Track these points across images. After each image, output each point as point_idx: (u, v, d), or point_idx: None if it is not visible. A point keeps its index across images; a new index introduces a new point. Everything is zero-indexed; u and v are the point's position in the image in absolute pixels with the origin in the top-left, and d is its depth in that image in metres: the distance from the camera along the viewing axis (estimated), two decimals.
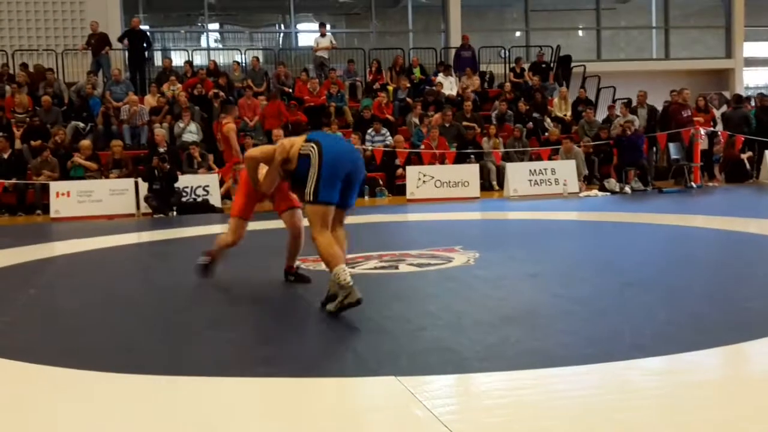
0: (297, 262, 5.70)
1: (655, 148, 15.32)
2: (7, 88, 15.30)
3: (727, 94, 19.20)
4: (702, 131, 14.35)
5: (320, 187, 4.43)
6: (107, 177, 12.90)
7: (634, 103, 15.82)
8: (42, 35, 17.60)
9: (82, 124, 14.67)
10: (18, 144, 13.76)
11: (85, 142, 13.43)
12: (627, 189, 13.23)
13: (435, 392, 3.12)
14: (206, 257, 5.79)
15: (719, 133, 15.10)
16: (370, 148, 14.08)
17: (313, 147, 4.51)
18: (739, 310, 4.36)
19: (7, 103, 14.84)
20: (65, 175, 12.91)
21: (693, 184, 13.67)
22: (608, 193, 13.08)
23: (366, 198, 13.43)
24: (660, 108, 15.90)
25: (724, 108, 17.39)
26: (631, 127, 13.94)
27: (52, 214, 12.18)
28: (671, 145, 14.63)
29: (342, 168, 4.50)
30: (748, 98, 16.91)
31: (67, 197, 12.34)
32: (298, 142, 4.72)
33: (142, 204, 12.26)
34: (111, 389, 3.37)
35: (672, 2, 21.57)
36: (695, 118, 14.62)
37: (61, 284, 6.37)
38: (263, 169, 5.15)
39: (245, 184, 5.46)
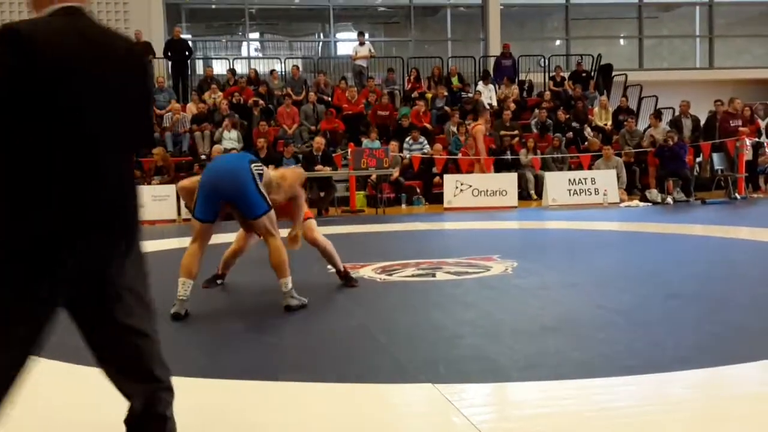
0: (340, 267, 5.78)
1: (699, 158, 15.07)
2: None
3: None
4: (747, 142, 14.09)
5: (196, 205, 5.03)
6: (149, 183, 13.08)
7: (677, 113, 15.58)
8: None
9: None
10: None
11: None
12: (669, 200, 13.02)
13: (473, 400, 3.10)
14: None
15: (765, 144, 14.81)
16: (408, 156, 14.08)
17: None
18: None
19: None
20: None
21: (737, 195, 13.42)
22: (649, 204, 12.89)
23: (403, 206, 13.42)
24: (703, 118, 15.63)
25: None
26: (673, 137, 13.73)
27: None
28: (715, 156, 14.39)
29: (209, 188, 4.95)
30: None
31: None
32: None
33: (183, 210, 12.40)
34: None
35: (717, 11, 21.26)
36: (740, 128, 14.36)
37: None
38: None
39: None
